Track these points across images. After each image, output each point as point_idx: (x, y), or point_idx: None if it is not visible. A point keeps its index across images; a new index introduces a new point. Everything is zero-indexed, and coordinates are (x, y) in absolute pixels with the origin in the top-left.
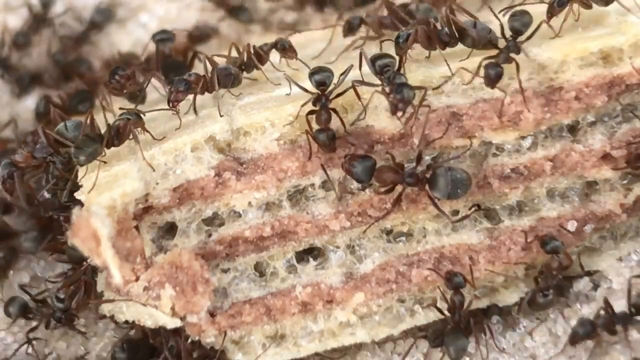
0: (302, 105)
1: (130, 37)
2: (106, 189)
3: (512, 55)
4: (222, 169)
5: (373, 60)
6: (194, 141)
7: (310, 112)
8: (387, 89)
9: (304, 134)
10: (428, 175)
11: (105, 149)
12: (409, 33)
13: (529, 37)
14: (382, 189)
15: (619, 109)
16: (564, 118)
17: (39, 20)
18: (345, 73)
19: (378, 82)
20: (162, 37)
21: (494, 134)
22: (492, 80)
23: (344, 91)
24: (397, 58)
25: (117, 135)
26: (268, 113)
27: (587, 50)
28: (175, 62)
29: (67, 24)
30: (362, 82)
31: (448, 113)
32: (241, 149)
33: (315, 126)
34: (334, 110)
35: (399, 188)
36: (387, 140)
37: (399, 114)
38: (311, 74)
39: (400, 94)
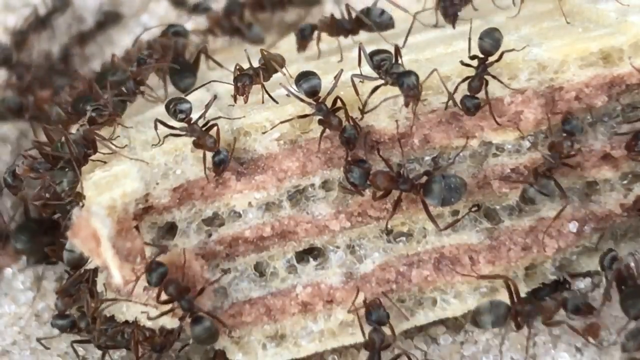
0: (300, 117)
1: (131, 36)
2: (106, 189)
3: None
4: None
5: (371, 56)
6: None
7: (319, 122)
8: (387, 81)
9: (304, 133)
10: (423, 181)
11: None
12: (311, 25)
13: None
14: (378, 194)
15: (619, 109)
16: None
17: (44, 18)
18: (337, 77)
19: (377, 77)
20: (178, 30)
21: (494, 134)
22: (472, 112)
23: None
24: (393, 52)
25: (83, 146)
26: (268, 113)
27: (587, 50)
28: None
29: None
30: (361, 76)
31: (448, 113)
32: (241, 149)
33: (318, 128)
34: (336, 109)
35: (397, 191)
36: (387, 140)
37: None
38: (297, 82)
39: (404, 84)
